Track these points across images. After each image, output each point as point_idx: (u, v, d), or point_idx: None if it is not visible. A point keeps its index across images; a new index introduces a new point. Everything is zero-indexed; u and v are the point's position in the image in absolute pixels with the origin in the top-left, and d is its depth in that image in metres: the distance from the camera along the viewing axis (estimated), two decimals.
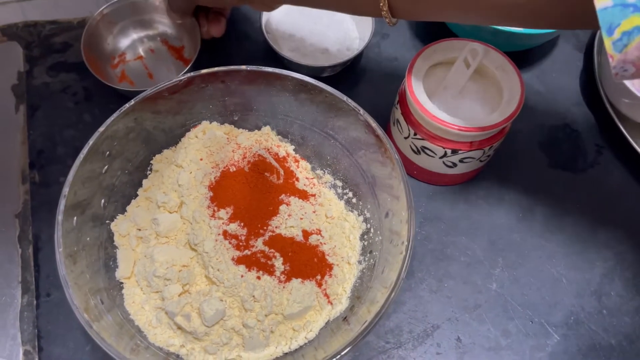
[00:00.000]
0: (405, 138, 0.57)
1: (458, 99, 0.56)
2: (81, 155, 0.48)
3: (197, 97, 0.55)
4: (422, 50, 0.56)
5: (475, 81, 0.57)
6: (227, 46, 0.70)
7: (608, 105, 0.65)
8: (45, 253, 0.56)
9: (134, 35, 0.69)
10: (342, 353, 0.42)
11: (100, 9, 0.64)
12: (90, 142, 0.48)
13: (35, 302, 0.54)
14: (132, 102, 0.50)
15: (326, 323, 0.50)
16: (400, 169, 0.49)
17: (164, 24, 0.69)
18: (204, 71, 0.52)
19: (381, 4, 0.47)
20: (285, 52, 0.65)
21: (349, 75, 0.69)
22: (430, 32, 0.72)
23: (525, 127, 0.66)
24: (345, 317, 0.50)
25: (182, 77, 0.52)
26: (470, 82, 0.56)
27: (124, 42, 0.68)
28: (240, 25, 0.70)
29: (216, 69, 0.52)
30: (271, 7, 0.56)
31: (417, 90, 0.53)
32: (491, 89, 0.57)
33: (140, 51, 0.69)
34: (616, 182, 0.64)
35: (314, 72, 0.65)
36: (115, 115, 0.50)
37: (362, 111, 0.51)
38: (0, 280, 0.55)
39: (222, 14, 0.63)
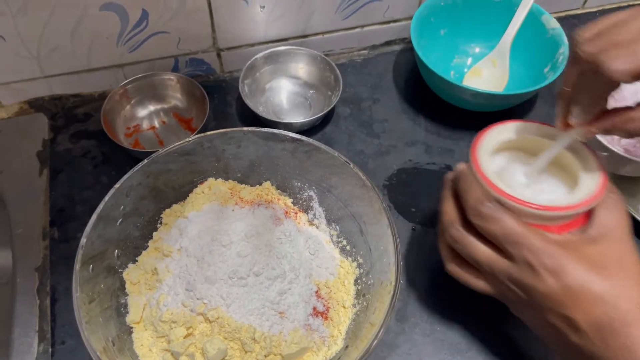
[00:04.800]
0: None
1: (523, 184, 0.49)
2: (98, 210, 0.53)
3: (204, 156, 0.61)
4: (485, 131, 0.50)
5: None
6: (232, 115, 0.77)
7: None
8: (62, 304, 0.60)
9: (149, 108, 0.76)
10: None
11: (122, 84, 0.72)
12: (107, 197, 0.54)
13: (50, 350, 0.57)
14: (146, 161, 0.56)
15: None
16: (387, 216, 0.53)
17: (176, 99, 0.77)
18: (209, 133, 0.58)
19: None
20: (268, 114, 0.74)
21: (341, 135, 0.75)
22: (418, 96, 0.79)
23: None
24: (340, 358, 0.53)
25: (190, 139, 0.58)
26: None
27: (139, 114, 0.76)
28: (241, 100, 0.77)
29: (220, 130, 0.59)
30: None
31: (489, 174, 0.46)
32: (555, 171, 0.50)
33: (154, 122, 0.76)
34: None
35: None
36: (130, 173, 0.55)
37: (352, 165, 0.57)
38: (18, 330, 0.59)
39: None
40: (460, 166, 0.49)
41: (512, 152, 0.51)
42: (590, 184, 0.46)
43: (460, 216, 0.47)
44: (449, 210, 0.48)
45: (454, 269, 0.50)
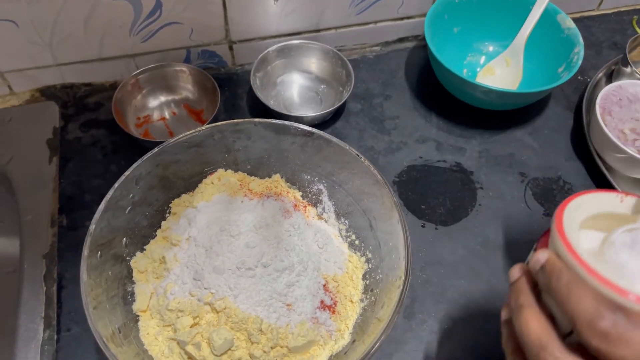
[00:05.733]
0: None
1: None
2: (107, 197, 0.53)
3: (214, 147, 0.61)
4: (564, 205, 0.37)
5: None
6: (242, 108, 0.76)
7: (598, 160, 0.69)
8: (69, 291, 0.60)
9: (160, 99, 0.76)
10: None
11: (133, 74, 0.72)
12: (116, 185, 0.54)
13: (56, 336, 0.57)
14: (156, 149, 0.56)
15: (329, 357, 0.53)
16: (399, 213, 0.53)
17: (187, 90, 0.77)
18: (219, 123, 0.58)
19: None
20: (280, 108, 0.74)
21: (352, 131, 0.74)
22: (430, 94, 0.79)
23: (520, 179, 0.70)
24: (346, 352, 0.52)
25: (201, 128, 0.58)
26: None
27: (150, 105, 0.75)
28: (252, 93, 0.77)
29: (231, 121, 0.58)
30: None
31: (601, 269, 0.33)
32: None
33: (164, 113, 0.75)
34: None
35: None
36: (140, 161, 0.55)
37: (363, 159, 0.56)
38: (24, 316, 0.59)
39: None
40: (543, 255, 0.35)
41: (596, 232, 0.39)
42: None
43: (558, 334, 0.33)
44: (538, 325, 0.33)
45: None
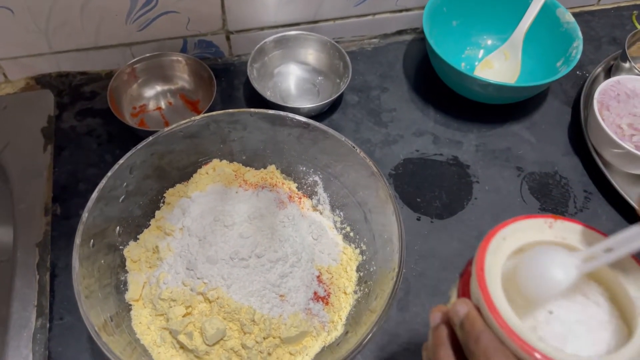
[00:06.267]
0: None
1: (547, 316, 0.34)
2: (101, 185, 0.52)
3: (209, 137, 0.60)
4: (493, 234, 0.35)
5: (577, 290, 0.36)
6: (239, 99, 0.76)
7: (595, 155, 0.69)
8: (62, 280, 0.60)
9: (156, 88, 0.76)
10: None
11: (129, 63, 0.71)
12: (110, 173, 0.53)
13: (48, 325, 0.57)
14: (150, 138, 0.55)
15: (322, 349, 0.53)
16: (393, 205, 0.52)
17: (183, 80, 0.76)
18: (215, 113, 0.58)
19: None
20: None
21: (349, 123, 0.74)
22: (428, 87, 0.78)
23: (516, 173, 0.70)
24: (339, 343, 0.52)
25: (196, 118, 0.57)
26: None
27: (146, 94, 0.75)
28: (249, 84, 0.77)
29: (227, 111, 0.58)
30: None
31: (500, 305, 0.32)
32: (601, 301, 0.36)
33: (160, 103, 0.75)
34: (604, 224, 0.66)
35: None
36: (134, 150, 0.55)
37: (359, 150, 0.56)
38: (16, 304, 0.58)
39: None
40: (462, 308, 0.33)
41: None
42: None
43: None
44: None
45: None
